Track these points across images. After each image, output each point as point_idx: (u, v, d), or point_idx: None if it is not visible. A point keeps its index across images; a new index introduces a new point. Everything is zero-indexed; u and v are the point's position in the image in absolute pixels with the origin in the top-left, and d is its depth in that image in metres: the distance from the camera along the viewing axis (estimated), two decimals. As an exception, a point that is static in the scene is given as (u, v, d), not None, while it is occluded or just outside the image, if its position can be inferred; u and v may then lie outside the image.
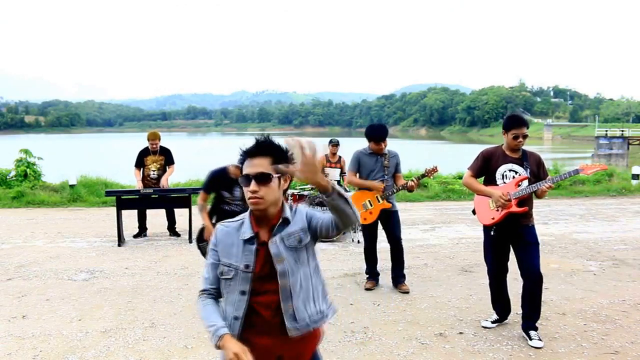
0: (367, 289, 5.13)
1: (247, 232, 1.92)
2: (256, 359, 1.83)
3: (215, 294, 1.98)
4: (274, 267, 1.88)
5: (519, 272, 3.93)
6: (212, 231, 4.35)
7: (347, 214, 1.78)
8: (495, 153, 3.95)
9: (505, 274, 4.09)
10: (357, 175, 5.06)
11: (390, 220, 5.09)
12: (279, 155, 1.88)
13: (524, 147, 3.89)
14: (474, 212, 4.09)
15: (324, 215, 1.92)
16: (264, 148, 1.88)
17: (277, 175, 1.87)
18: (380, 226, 5.16)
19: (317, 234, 1.94)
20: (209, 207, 4.57)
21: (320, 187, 1.74)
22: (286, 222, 1.92)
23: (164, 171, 7.53)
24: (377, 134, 4.94)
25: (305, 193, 7.74)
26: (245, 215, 1.98)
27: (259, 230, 1.92)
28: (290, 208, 1.97)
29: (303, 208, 1.99)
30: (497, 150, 3.97)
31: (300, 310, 1.90)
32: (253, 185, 1.84)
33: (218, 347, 1.82)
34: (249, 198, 1.87)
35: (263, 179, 1.84)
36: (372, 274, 5.25)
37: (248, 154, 1.89)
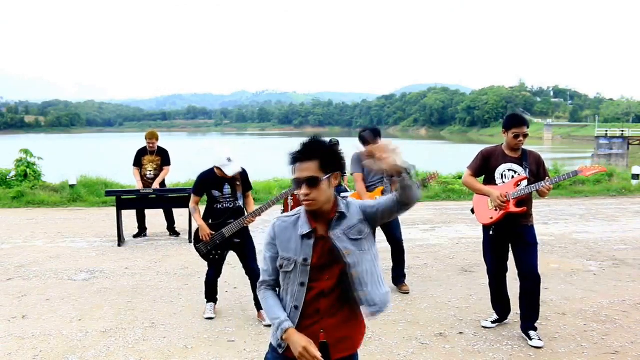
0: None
1: (305, 228, 2.01)
2: None
3: (274, 284, 2.11)
4: (330, 257, 1.98)
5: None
6: (207, 232, 4.35)
7: (414, 188, 1.93)
8: (495, 152, 3.95)
9: (504, 273, 4.09)
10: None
11: (389, 222, 5.08)
12: (327, 157, 1.96)
13: (524, 147, 3.89)
14: (472, 211, 4.10)
15: (379, 201, 2.03)
16: (311, 151, 1.96)
17: (326, 177, 1.96)
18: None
19: (376, 220, 2.05)
20: (202, 208, 4.57)
21: (400, 170, 1.88)
22: (342, 216, 2.01)
23: (161, 171, 7.53)
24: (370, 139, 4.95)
25: None
26: (301, 211, 2.06)
27: (316, 225, 2.02)
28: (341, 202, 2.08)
29: (353, 201, 2.10)
30: (497, 149, 3.96)
31: (373, 294, 2.01)
32: (304, 189, 1.95)
33: (283, 339, 1.96)
34: (303, 201, 1.98)
35: (313, 182, 1.94)
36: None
37: (296, 159, 1.97)
